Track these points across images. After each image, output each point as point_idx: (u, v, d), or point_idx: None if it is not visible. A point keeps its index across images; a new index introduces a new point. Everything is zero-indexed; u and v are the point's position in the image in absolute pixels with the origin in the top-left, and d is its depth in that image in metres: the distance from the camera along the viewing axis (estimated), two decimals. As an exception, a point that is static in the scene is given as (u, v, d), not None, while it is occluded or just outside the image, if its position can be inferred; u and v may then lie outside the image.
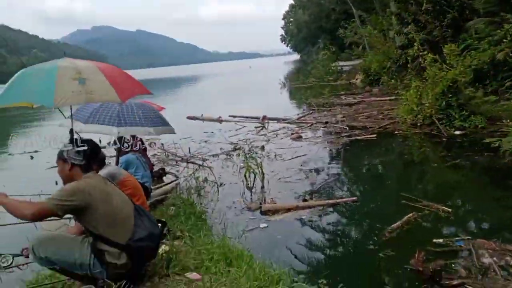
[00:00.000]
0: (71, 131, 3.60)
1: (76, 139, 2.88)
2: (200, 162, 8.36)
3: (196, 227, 4.59)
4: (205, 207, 5.73)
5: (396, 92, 14.36)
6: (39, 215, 2.57)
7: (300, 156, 8.32)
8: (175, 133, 5.10)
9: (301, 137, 10.11)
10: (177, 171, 7.89)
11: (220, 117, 14.19)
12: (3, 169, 10.33)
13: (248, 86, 34.51)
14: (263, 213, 5.36)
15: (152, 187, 5.81)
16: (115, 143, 5.42)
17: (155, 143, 9.65)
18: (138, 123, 4.53)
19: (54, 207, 2.55)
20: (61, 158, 2.84)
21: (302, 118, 12.68)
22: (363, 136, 9.49)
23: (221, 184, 6.80)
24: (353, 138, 9.49)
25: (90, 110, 4.52)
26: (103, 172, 3.95)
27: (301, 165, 7.59)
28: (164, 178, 7.41)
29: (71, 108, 3.16)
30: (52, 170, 8.84)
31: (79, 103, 3.31)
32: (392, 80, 16.27)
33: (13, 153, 11.63)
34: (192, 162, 8.44)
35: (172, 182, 7.04)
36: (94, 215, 2.69)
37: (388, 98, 14.52)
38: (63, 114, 4.97)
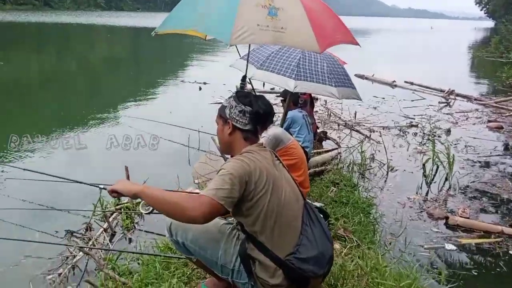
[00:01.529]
0: (244, 79, 2.83)
1: (243, 95, 2.05)
2: (367, 133, 7.15)
3: (361, 226, 3.56)
4: (371, 196, 4.61)
5: None
6: (210, 215, 1.76)
7: (502, 155, 6.37)
8: (361, 99, 4.02)
9: (501, 127, 7.89)
10: (339, 137, 6.86)
11: (394, 81, 12.40)
12: (173, 95, 10.84)
13: (427, 50, 30.37)
14: (450, 227, 4.01)
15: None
16: (284, 95, 4.59)
17: (317, 99, 8.72)
18: (320, 79, 3.55)
19: (223, 202, 1.75)
20: (222, 116, 2.06)
21: (503, 102, 10.05)
22: None
23: (391, 169, 5.53)
24: None
25: (267, 53, 3.69)
26: (267, 133, 3.14)
27: (504, 169, 5.73)
28: (323, 143, 6.48)
29: (249, 48, 2.31)
30: (213, 107, 8.81)
31: (262, 43, 2.46)
32: None
33: (185, 81, 12.19)
34: (357, 131, 7.28)
35: (332, 150, 6.08)
36: (253, 209, 1.87)
37: None
38: (239, 52, 4.37)
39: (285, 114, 4.13)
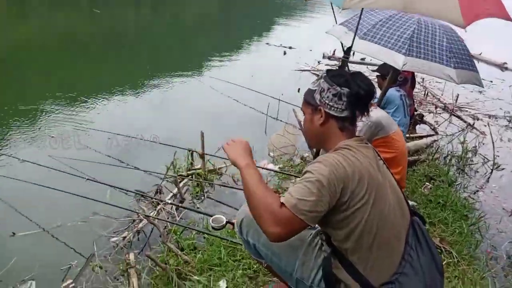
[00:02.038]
0: (348, 51, 2.34)
1: (336, 75, 1.59)
2: (470, 120, 6.22)
3: (462, 237, 2.99)
4: (471, 197, 3.93)
5: None
6: (287, 235, 1.39)
7: None
8: (482, 86, 3.29)
9: None
10: (436, 122, 6.05)
11: (504, 63, 10.78)
12: (256, 58, 10.47)
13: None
14: None
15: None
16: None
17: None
18: (437, 58, 2.89)
19: (304, 217, 1.36)
20: (310, 103, 1.63)
21: None
22: None
23: (497, 166, 4.72)
24: None
25: (374, 20, 3.09)
26: (369, 118, 2.64)
27: None
28: (417, 127, 5.76)
29: (361, 14, 1.82)
30: (297, 74, 8.32)
31: (385, 7, 1.95)
32: None
33: (270, 43, 11.73)
34: (459, 117, 6.37)
35: (427, 136, 5.36)
36: (346, 223, 1.46)
37: None
38: (335, 17, 3.82)
39: (384, 93, 3.55)
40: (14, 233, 2.76)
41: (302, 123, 1.72)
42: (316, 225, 1.68)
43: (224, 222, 2.06)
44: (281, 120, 5.52)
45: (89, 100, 6.04)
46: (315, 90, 1.60)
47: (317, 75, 7.77)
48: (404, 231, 1.55)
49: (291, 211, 1.34)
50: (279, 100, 5.78)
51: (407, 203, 1.65)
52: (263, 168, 3.65)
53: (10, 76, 7.16)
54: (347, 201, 1.41)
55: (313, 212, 1.36)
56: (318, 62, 9.01)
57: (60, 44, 10.02)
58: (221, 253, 2.46)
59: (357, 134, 1.63)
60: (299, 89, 6.15)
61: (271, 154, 4.60)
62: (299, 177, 1.46)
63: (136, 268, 2.63)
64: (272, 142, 4.83)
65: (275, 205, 1.36)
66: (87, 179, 3.45)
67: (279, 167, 4.19)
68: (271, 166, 4.23)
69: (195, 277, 2.36)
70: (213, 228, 2.11)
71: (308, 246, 1.67)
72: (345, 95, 1.53)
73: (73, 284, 2.56)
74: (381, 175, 1.52)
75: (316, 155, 2.30)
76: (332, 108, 1.55)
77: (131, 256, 2.76)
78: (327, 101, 1.55)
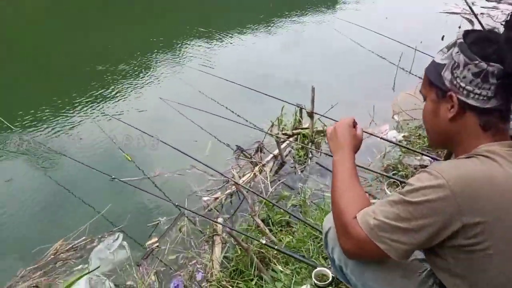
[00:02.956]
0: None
1: (480, 40, 0.97)
2: None
3: None
4: None
5: None
6: (361, 258, 1.13)
7: None
8: None
9: None
10: None
11: None
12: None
13: None
14: None
15: None
16: None
17: None
18: None
19: (388, 249, 0.96)
20: (433, 82, 1.04)
21: None
22: None
23: None
24: None
25: None
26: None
27: None
28: None
29: None
30: (440, 17, 6.91)
31: None
32: None
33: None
34: None
35: None
36: (469, 269, 0.92)
37: None
38: None
39: None
40: (113, 178, 2.76)
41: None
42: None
43: (330, 279, 1.65)
44: (415, 75, 4.62)
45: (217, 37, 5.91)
46: (444, 64, 1.00)
47: (470, 21, 6.36)
48: None
49: (364, 232, 0.98)
50: (415, 49, 4.79)
51: None
52: (380, 137, 3.02)
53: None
54: (472, 238, 0.88)
55: (403, 245, 0.95)
56: (472, 3, 7.34)
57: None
58: (311, 244, 2.06)
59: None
60: (443, 36, 5.05)
61: (396, 117, 3.87)
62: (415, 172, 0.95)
63: (222, 238, 2.42)
64: (399, 102, 4.06)
65: (349, 214, 1.03)
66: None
67: (402, 136, 3.49)
68: (393, 133, 3.55)
69: (279, 267, 2.03)
70: (316, 285, 1.72)
71: (420, 284, 1.15)
72: (494, 76, 0.93)
73: (158, 244, 2.48)
74: None
75: (447, 156, 1.64)
76: (471, 95, 0.96)
77: (219, 222, 2.56)
78: (463, 84, 0.97)
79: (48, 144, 3.48)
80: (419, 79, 4.50)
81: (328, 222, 1.29)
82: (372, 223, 0.97)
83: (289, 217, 2.44)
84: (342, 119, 1.28)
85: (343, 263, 1.25)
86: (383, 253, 0.97)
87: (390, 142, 3.19)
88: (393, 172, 2.97)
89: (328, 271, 1.75)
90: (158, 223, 2.64)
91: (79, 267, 2.29)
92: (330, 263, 1.43)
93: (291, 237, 2.26)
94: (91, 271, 2.05)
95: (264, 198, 2.46)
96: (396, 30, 5.55)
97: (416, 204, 0.91)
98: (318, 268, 1.78)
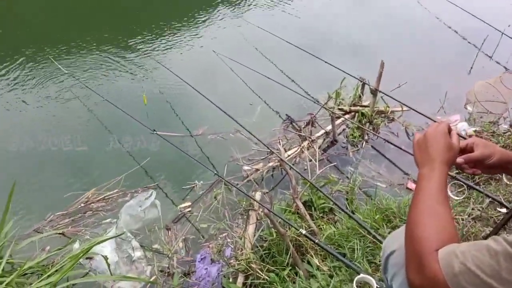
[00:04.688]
0: None
1: None
2: None
3: None
4: None
5: None
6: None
7: None
8: None
9: None
10: None
11: None
12: None
13: None
14: None
15: None
16: None
17: None
18: None
19: None
20: None
21: None
22: None
23: None
24: None
25: None
26: None
27: None
28: None
29: None
30: None
31: None
32: None
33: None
34: None
35: None
36: None
37: None
38: None
39: None
40: (154, 131, 2.62)
41: None
42: None
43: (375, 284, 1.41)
44: (498, 62, 4.06)
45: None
46: None
47: None
48: None
49: (443, 275, 0.75)
50: (502, 33, 4.18)
51: None
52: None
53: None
54: None
55: None
56: None
57: None
58: (356, 243, 1.83)
59: None
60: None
61: (469, 107, 3.43)
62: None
63: (258, 214, 2.24)
64: (475, 91, 3.59)
65: (429, 245, 0.81)
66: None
67: (474, 130, 3.08)
68: (463, 125, 3.14)
69: (316, 261, 1.83)
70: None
71: None
72: None
73: (190, 209, 2.35)
74: None
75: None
76: None
77: (257, 196, 2.38)
78: None
79: (94, 87, 3.37)
80: (502, 68, 3.98)
81: (394, 242, 1.05)
82: (458, 269, 0.73)
83: (334, 205, 2.20)
84: (435, 125, 1.00)
85: (395, 282, 1.01)
86: None
87: (459, 135, 2.80)
88: (457, 171, 2.62)
89: (373, 280, 1.52)
90: (194, 186, 2.50)
91: (108, 220, 2.21)
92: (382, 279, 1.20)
93: (333, 228, 2.04)
94: (118, 235, 1.95)
95: (308, 181, 2.22)
96: (483, 8, 4.87)
97: None
98: (361, 275, 1.56)
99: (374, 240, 1.79)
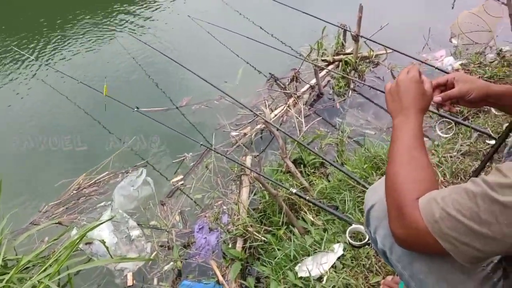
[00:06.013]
0: None
1: None
2: None
3: None
4: None
5: None
6: (416, 249, 0.85)
7: None
8: None
9: None
10: None
11: None
12: None
13: None
14: None
15: None
16: None
17: None
18: None
19: (454, 251, 0.72)
20: None
21: None
22: None
23: None
24: None
25: None
26: None
27: None
28: None
29: None
30: None
31: None
32: None
33: None
34: None
35: None
36: None
37: None
38: None
39: None
40: (137, 108, 2.56)
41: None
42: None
43: (367, 239, 1.41)
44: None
45: None
46: None
47: None
48: None
49: (424, 223, 0.75)
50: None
51: None
52: (435, 67, 2.59)
53: None
54: None
55: (472, 249, 0.71)
56: None
57: None
58: (347, 195, 1.84)
59: None
60: None
61: (454, 41, 3.36)
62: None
63: (250, 178, 2.24)
64: (459, 23, 3.48)
65: (409, 194, 0.80)
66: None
67: (460, 64, 3.02)
68: (449, 60, 3.09)
69: (310, 217, 1.85)
70: (350, 244, 1.49)
71: (480, 285, 0.92)
72: None
73: (183, 182, 2.36)
74: None
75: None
76: None
77: (247, 161, 2.38)
78: None
79: (65, 68, 3.28)
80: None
81: (374, 195, 1.04)
82: (438, 215, 0.73)
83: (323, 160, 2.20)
84: (404, 72, 0.96)
85: (387, 248, 1.01)
86: (444, 251, 0.74)
87: (445, 72, 2.76)
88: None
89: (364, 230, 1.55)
90: (184, 158, 2.49)
91: (102, 204, 2.22)
92: (371, 244, 1.20)
93: (325, 182, 2.05)
94: (111, 219, 1.95)
95: (295, 140, 2.21)
96: None
97: (507, 207, 0.65)
98: (353, 225, 1.58)
99: (364, 189, 1.80)
